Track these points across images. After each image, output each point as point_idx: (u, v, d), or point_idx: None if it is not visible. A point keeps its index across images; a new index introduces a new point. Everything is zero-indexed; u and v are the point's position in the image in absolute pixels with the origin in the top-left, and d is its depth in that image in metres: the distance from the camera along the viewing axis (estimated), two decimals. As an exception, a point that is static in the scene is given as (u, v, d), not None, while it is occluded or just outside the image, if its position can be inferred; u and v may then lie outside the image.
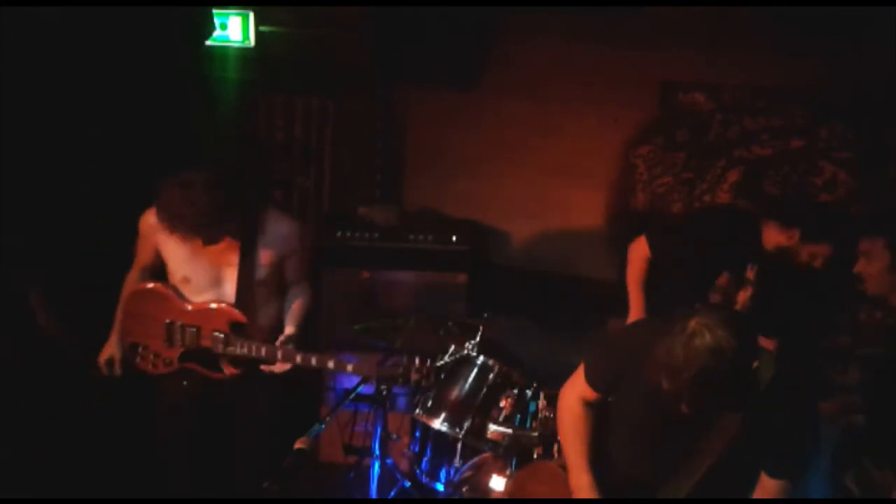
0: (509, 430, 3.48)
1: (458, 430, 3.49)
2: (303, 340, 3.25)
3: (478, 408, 3.53)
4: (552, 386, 3.26)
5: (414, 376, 2.96)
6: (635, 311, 3.87)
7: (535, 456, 3.41)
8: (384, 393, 3.53)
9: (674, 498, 2.63)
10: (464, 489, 3.53)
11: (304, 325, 3.31)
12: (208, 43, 4.36)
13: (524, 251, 4.99)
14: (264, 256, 3.17)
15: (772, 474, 2.59)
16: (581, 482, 2.73)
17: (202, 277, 3.19)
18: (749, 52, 4.60)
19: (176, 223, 2.93)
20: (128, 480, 3.64)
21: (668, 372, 2.35)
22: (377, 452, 3.62)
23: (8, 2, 3.34)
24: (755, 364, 2.41)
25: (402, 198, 5.04)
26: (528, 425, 3.54)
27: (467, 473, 3.56)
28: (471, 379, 3.58)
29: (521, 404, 3.58)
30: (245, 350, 3.10)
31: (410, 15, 4.60)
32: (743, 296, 3.73)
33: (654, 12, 4.61)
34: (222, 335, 3.13)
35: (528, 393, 3.59)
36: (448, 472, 3.62)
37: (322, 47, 4.47)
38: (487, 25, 4.81)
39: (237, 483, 3.38)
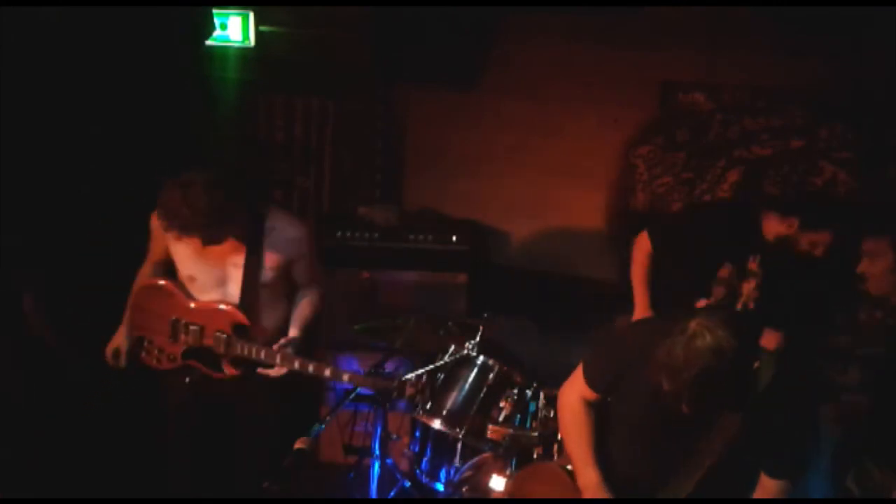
0: (509, 430, 3.48)
1: (458, 430, 3.49)
2: (306, 344, 3.26)
3: (478, 408, 3.53)
4: (552, 386, 3.26)
5: (409, 390, 2.96)
6: (639, 305, 3.88)
7: (535, 456, 3.41)
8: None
9: (674, 498, 2.63)
10: (464, 489, 3.53)
11: (310, 328, 3.31)
12: (208, 43, 4.36)
13: (524, 251, 4.99)
14: (269, 259, 3.17)
15: (772, 474, 2.59)
16: (589, 479, 2.71)
17: (207, 277, 3.20)
18: (749, 52, 4.60)
19: (175, 223, 2.93)
20: (127, 480, 3.63)
21: (668, 373, 2.35)
22: (377, 452, 3.63)
23: (8, 2, 3.34)
24: (756, 364, 2.41)
25: (402, 198, 5.04)
26: (528, 425, 3.54)
27: (467, 473, 3.56)
28: (471, 379, 3.58)
29: (521, 404, 3.58)
30: (245, 352, 3.11)
31: (410, 15, 4.60)
32: (747, 287, 3.73)
33: (654, 12, 4.62)
34: (224, 336, 3.14)
35: (528, 393, 3.60)
36: (448, 472, 3.62)
37: (322, 47, 4.47)
38: (487, 25, 4.81)
39: (237, 483, 3.38)
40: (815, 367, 3.64)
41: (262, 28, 4.45)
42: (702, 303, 3.74)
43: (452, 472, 3.60)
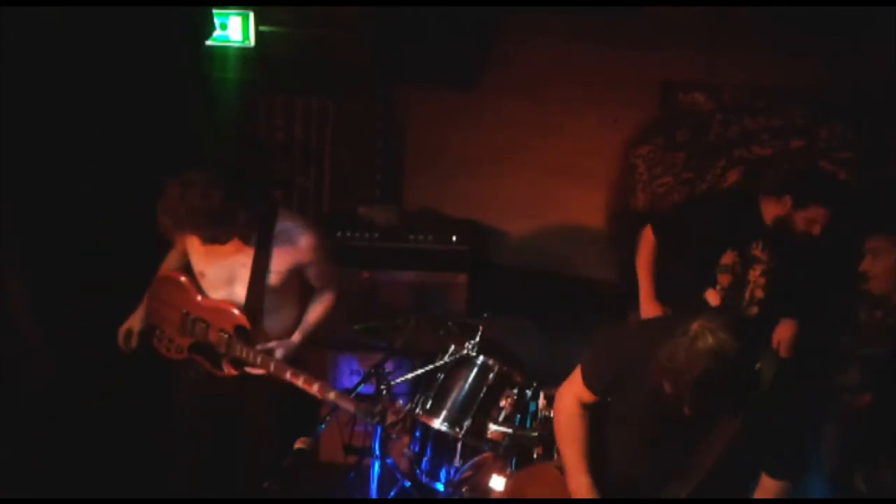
0: (509, 430, 3.48)
1: (458, 430, 3.49)
2: (303, 349, 3.26)
3: (478, 408, 3.53)
4: (552, 386, 3.26)
5: (391, 417, 2.95)
6: (645, 297, 3.90)
7: (535, 456, 3.41)
8: (384, 393, 3.53)
9: (674, 498, 2.63)
10: (464, 489, 3.53)
11: (318, 332, 3.32)
12: (208, 43, 4.35)
13: (524, 251, 4.99)
14: (276, 263, 3.17)
15: (772, 475, 2.59)
16: (579, 485, 2.72)
17: (216, 274, 3.22)
18: (749, 52, 4.60)
19: (174, 222, 2.94)
20: (127, 480, 3.63)
21: (670, 375, 2.34)
22: (377, 452, 3.63)
23: (8, 2, 3.33)
24: (757, 366, 2.41)
25: (402, 198, 5.03)
26: (528, 425, 3.54)
27: (467, 473, 3.56)
28: (471, 379, 3.58)
29: (521, 404, 3.58)
30: (243, 354, 3.12)
31: (410, 15, 4.60)
32: (753, 274, 3.75)
33: (654, 12, 4.62)
34: (226, 336, 3.15)
35: (528, 393, 3.60)
36: (448, 472, 3.62)
37: (322, 47, 4.46)
38: (487, 25, 4.81)
39: (237, 482, 3.38)
40: (815, 368, 3.64)
41: (262, 28, 4.45)
42: (709, 292, 3.75)
43: (452, 472, 3.60)
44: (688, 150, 4.80)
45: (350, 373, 4.53)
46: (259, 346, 3.13)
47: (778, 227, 3.66)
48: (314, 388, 3.01)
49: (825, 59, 4.50)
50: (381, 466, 3.63)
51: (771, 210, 3.68)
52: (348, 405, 2.96)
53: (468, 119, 4.93)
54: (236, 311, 3.15)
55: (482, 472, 3.52)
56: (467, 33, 4.80)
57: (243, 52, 4.53)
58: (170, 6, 3.79)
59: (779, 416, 2.51)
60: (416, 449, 3.72)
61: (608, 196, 4.92)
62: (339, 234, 4.58)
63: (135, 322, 3.39)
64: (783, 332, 3.77)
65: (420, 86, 4.92)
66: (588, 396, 2.77)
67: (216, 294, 3.23)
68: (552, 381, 3.25)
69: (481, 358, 3.61)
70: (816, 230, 3.57)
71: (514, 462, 3.45)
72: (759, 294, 3.76)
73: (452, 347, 3.68)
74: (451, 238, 4.60)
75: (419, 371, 3.63)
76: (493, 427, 3.50)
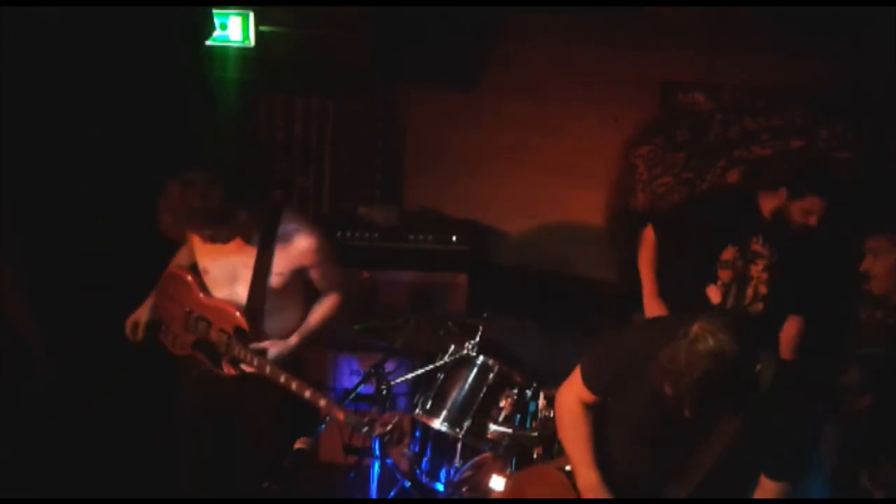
0: (509, 430, 3.48)
1: (458, 430, 3.49)
2: (301, 350, 3.26)
3: (478, 408, 3.53)
4: (552, 386, 3.26)
5: (378, 430, 2.94)
6: (648, 296, 3.91)
7: (535, 456, 3.41)
8: (384, 393, 3.53)
9: (674, 498, 2.63)
10: (464, 489, 3.53)
11: (318, 335, 3.31)
12: (208, 43, 4.35)
13: (524, 251, 4.99)
14: (278, 265, 3.16)
15: (772, 476, 2.59)
16: (588, 480, 2.71)
17: (219, 272, 3.22)
18: (749, 52, 4.60)
19: (175, 221, 2.94)
20: (127, 480, 3.63)
21: (671, 377, 2.34)
22: (377, 452, 3.62)
23: (8, 2, 3.34)
24: (758, 367, 2.41)
25: (402, 198, 5.03)
26: (528, 425, 3.54)
27: (467, 473, 3.56)
28: (471, 379, 3.59)
29: (521, 404, 3.58)
30: (240, 355, 3.12)
31: (410, 15, 4.59)
32: (755, 270, 3.75)
33: (654, 12, 4.62)
34: (225, 335, 3.15)
35: (528, 393, 3.60)
36: (448, 472, 3.63)
37: (322, 47, 4.46)
38: (487, 25, 4.81)
39: (237, 482, 3.38)
40: (815, 368, 3.64)
41: (262, 28, 4.45)
42: (711, 288, 3.75)
43: (452, 472, 3.60)
44: (688, 150, 4.80)
45: (350, 373, 4.53)
46: (252, 346, 3.13)
47: (776, 220, 3.66)
48: (307, 394, 3.00)
49: (825, 59, 4.50)
50: (381, 466, 3.62)
51: (768, 203, 3.70)
52: (337, 415, 2.94)
53: (468, 119, 4.93)
54: (236, 312, 3.15)
55: (482, 472, 3.52)
56: (467, 33, 4.80)
57: (243, 52, 4.53)
58: (170, 6, 3.79)
59: (778, 416, 2.51)
60: (416, 449, 3.72)
61: (608, 196, 4.92)
62: (339, 234, 4.58)
63: (142, 314, 3.40)
64: (789, 331, 3.77)
65: (420, 86, 4.91)
66: (588, 396, 2.77)
67: (219, 292, 3.23)
68: (552, 381, 3.25)
69: (481, 358, 3.61)
70: (813, 221, 3.57)
71: (514, 462, 3.46)
72: (763, 290, 3.76)
73: (452, 347, 3.68)
74: (451, 238, 4.60)
75: (419, 371, 3.64)
76: (493, 427, 3.50)
